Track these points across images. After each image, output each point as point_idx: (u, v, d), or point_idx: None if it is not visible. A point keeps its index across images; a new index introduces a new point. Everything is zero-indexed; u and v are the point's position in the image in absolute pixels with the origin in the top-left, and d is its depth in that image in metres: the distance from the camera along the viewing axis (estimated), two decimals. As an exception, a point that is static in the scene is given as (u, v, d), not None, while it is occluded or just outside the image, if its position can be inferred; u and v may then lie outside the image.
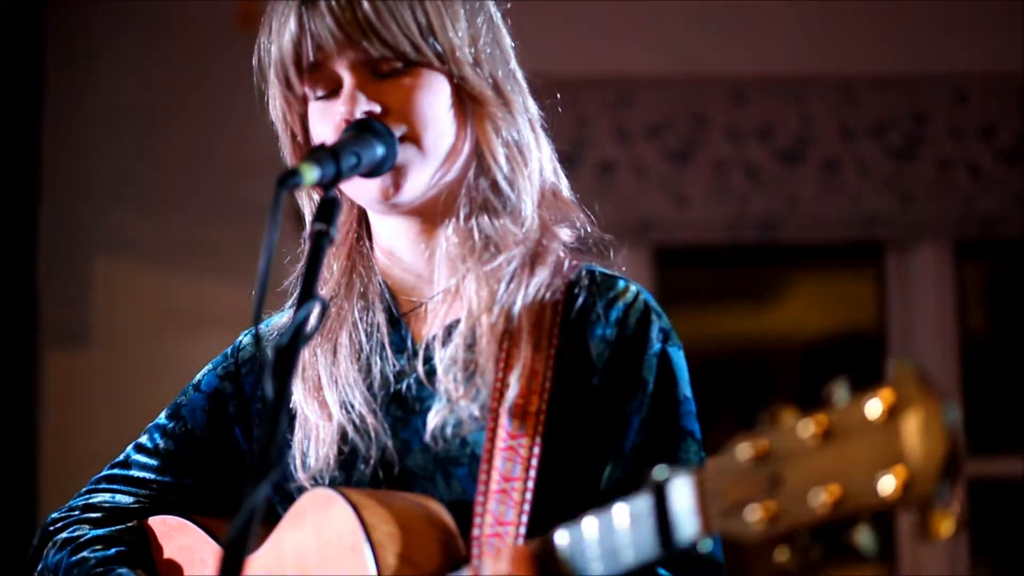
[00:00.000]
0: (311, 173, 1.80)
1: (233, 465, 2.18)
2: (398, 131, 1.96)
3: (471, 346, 1.98)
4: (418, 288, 2.09)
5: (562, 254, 2.06)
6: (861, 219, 4.97)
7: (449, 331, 2.02)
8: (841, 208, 4.97)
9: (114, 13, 4.75)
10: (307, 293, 1.73)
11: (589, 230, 2.15)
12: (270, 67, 2.10)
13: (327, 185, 1.83)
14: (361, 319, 2.07)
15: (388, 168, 1.98)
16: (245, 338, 2.26)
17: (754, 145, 4.95)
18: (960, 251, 5.14)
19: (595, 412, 1.97)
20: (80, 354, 4.66)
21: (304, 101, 2.08)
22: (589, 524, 1.69)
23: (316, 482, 2.02)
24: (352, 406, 2.03)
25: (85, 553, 2.15)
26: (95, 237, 4.70)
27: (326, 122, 2.02)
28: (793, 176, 4.95)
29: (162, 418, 2.29)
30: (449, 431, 1.97)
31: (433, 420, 1.98)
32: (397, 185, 1.99)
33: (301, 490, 2.02)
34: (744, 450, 1.52)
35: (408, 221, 2.07)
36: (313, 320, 1.71)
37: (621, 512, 1.65)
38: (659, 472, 1.61)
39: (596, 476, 1.96)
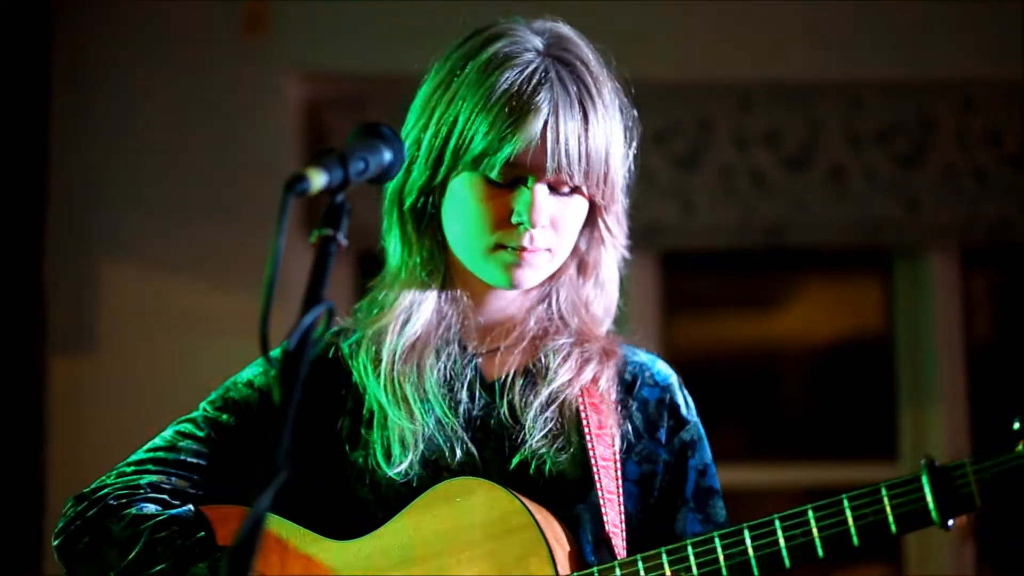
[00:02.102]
0: (319, 178, 1.79)
1: None
2: (545, 244, 2.27)
3: (556, 405, 2.32)
4: (492, 334, 2.37)
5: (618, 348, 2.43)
6: (868, 225, 4.97)
7: (528, 380, 2.35)
8: (848, 214, 4.96)
9: (122, 17, 4.76)
10: (314, 298, 1.73)
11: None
12: (484, 112, 2.26)
13: (335, 190, 1.83)
14: (441, 349, 2.35)
15: (396, 174, 1.99)
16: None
17: (761, 151, 4.95)
18: (967, 257, 5.14)
19: (660, 464, 2.38)
20: (87, 358, 4.67)
21: (473, 165, 2.26)
22: None
23: (402, 478, 2.27)
24: (438, 419, 2.31)
25: (170, 529, 2.23)
26: (102, 241, 4.71)
27: (493, 205, 2.26)
28: (800, 182, 4.95)
29: (210, 409, 2.40)
30: (533, 468, 2.30)
31: (517, 459, 2.30)
32: (523, 282, 2.29)
33: (376, 478, 2.28)
34: None
35: (509, 291, 2.36)
36: (320, 324, 1.71)
37: None
38: None
39: (664, 513, 2.37)
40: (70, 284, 4.65)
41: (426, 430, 2.30)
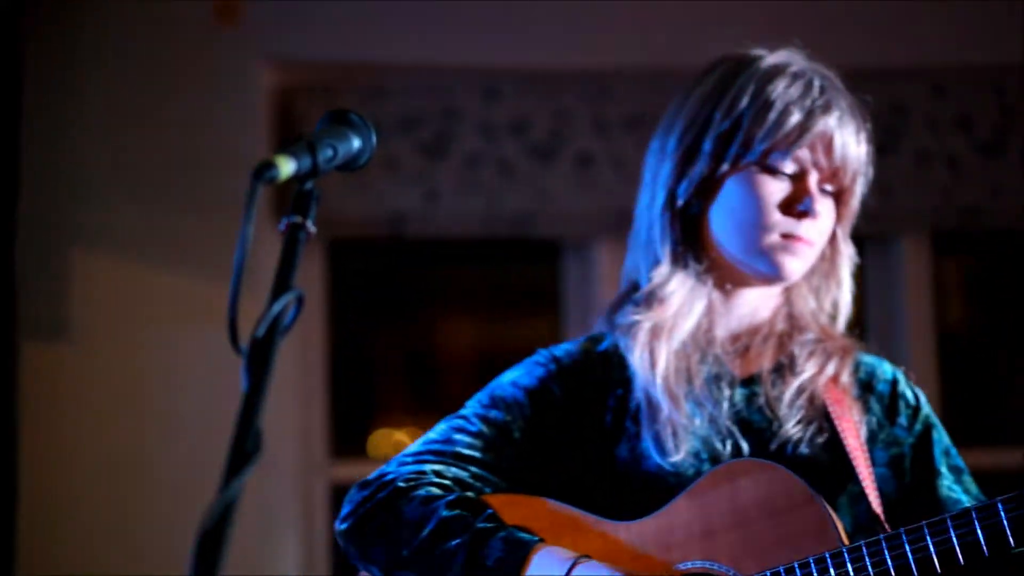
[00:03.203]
0: (287, 166, 1.79)
1: (539, 457, 2.49)
2: (814, 236, 2.46)
3: (805, 395, 2.46)
4: (744, 333, 2.53)
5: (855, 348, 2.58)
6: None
7: (778, 374, 2.49)
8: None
9: (93, 6, 4.74)
10: (283, 285, 1.73)
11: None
12: (773, 111, 2.44)
13: (303, 178, 1.83)
14: (706, 349, 2.51)
15: (365, 162, 1.99)
16: (558, 350, 2.59)
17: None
18: (938, 244, 5.16)
19: (906, 447, 2.50)
20: (59, 348, 4.66)
21: (756, 160, 2.44)
22: None
23: (673, 468, 2.42)
24: (707, 414, 2.45)
25: (460, 509, 2.37)
26: (74, 231, 4.70)
27: (773, 198, 2.44)
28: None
29: (480, 407, 2.53)
30: (789, 452, 2.43)
31: (776, 443, 2.44)
32: (792, 273, 2.46)
33: (644, 468, 2.43)
34: None
35: (763, 290, 2.52)
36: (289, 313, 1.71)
37: None
38: None
39: (922, 492, 2.48)
40: (42, 274, 4.64)
41: (696, 426, 2.44)
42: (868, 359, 2.57)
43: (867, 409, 2.50)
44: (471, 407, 2.53)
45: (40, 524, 4.54)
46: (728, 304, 2.53)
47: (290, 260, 1.76)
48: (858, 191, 2.52)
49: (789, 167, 2.44)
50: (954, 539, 2.21)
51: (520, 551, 2.30)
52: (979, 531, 2.20)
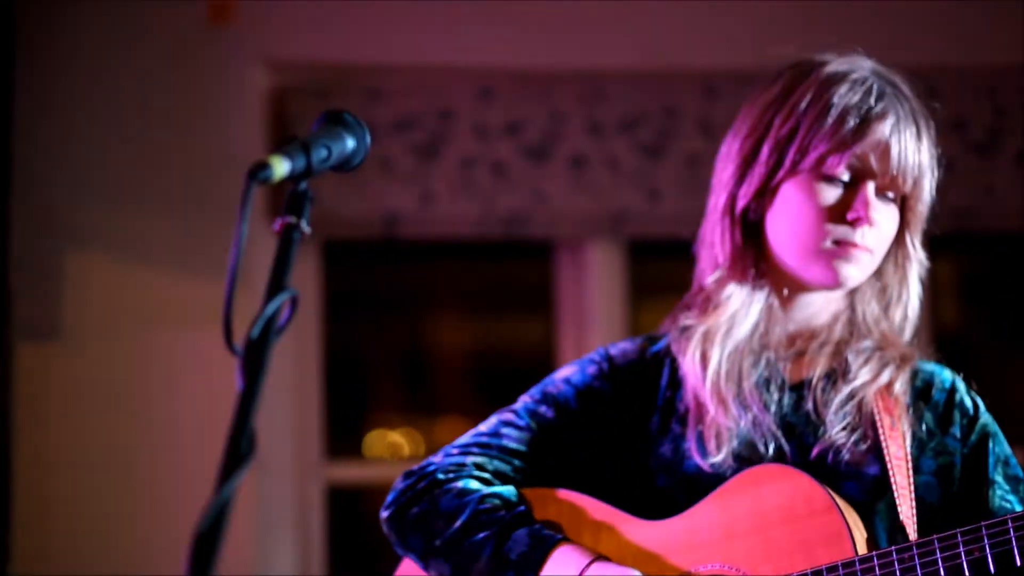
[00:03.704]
0: (281, 166, 1.79)
1: (586, 454, 2.55)
2: (871, 243, 2.46)
3: (855, 402, 2.46)
4: (800, 338, 2.55)
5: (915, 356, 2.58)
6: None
7: (830, 380, 2.49)
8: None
9: (87, 7, 4.74)
10: (278, 285, 1.73)
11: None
12: (830, 117, 2.46)
13: (298, 178, 1.84)
14: (759, 353, 2.53)
15: (359, 162, 1.99)
16: (614, 348, 2.63)
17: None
18: (932, 244, 5.15)
19: (958, 457, 2.49)
20: (53, 349, 4.66)
21: (814, 167, 2.46)
22: None
23: (713, 470, 2.45)
24: (752, 418, 2.47)
25: (493, 503, 2.45)
26: (67, 231, 4.69)
27: (830, 204, 2.45)
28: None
29: (530, 402, 2.59)
30: (830, 459, 2.44)
31: (817, 448, 2.45)
32: (848, 279, 2.47)
33: (686, 469, 2.47)
34: None
35: (823, 294, 2.54)
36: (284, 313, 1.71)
37: None
38: None
39: (971, 502, 2.46)
40: (36, 275, 4.64)
41: (740, 428, 2.47)
42: (928, 367, 2.58)
43: (919, 418, 2.50)
44: (522, 402, 2.60)
45: (35, 523, 4.54)
46: (786, 308, 2.55)
47: (285, 260, 1.76)
48: (924, 196, 2.54)
49: (845, 174, 2.45)
50: (963, 555, 2.24)
51: (542, 547, 2.39)
52: (987, 548, 2.24)
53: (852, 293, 2.56)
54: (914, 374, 2.55)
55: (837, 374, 2.51)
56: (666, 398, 2.55)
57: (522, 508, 2.45)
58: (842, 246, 2.45)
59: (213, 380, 4.37)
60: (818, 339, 2.54)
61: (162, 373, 4.70)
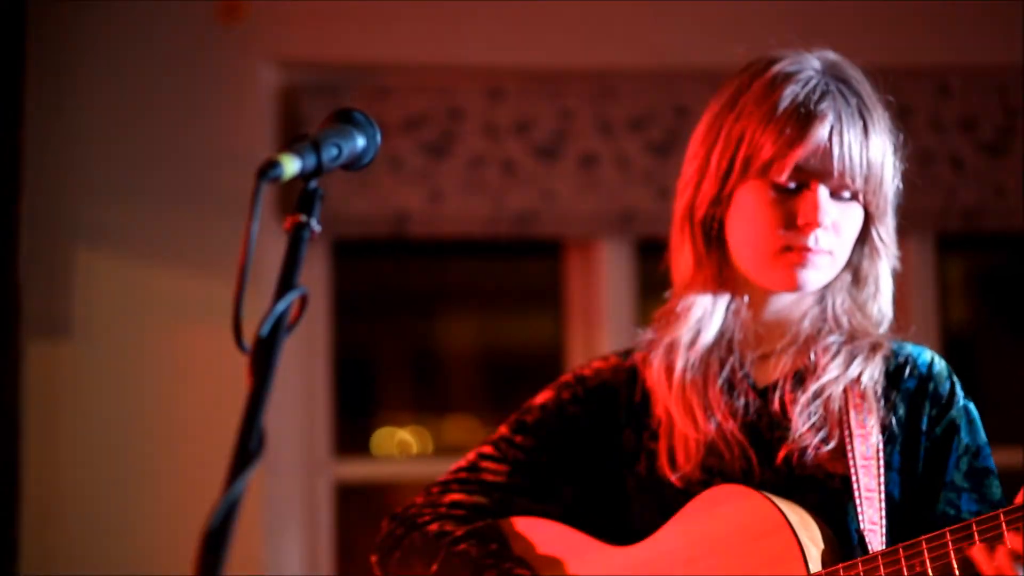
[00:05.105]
0: (292, 164, 1.80)
1: (564, 479, 2.58)
2: (828, 246, 2.41)
3: (821, 400, 2.44)
4: (766, 339, 2.52)
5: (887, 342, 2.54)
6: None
7: (797, 380, 2.47)
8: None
9: (96, 5, 4.74)
10: (287, 284, 1.73)
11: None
12: (773, 122, 2.43)
13: (308, 176, 1.84)
14: (724, 359, 2.50)
15: (369, 160, 1.99)
16: (588, 369, 2.63)
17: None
18: (942, 243, 5.15)
19: (921, 451, 2.45)
20: (62, 347, 4.66)
21: (759, 174, 2.42)
22: None
23: (683, 483, 2.45)
24: (718, 425, 2.46)
25: (465, 544, 2.48)
26: (77, 228, 4.69)
27: (780, 209, 2.41)
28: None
29: (507, 433, 2.61)
30: (795, 461, 2.42)
31: (783, 452, 2.43)
32: (806, 283, 2.43)
33: (658, 485, 2.48)
34: None
35: (787, 295, 2.51)
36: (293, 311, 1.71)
37: None
38: None
39: (925, 500, 2.43)
40: (45, 272, 4.64)
41: (707, 437, 2.46)
42: (906, 350, 2.54)
43: (891, 409, 2.47)
44: (500, 432, 2.62)
45: (43, 521, 4.54)
46: (753, 311, 2.53)
47: (294, 258, 1.76)
48: (882, 190, 2.48)
49: (793, 178, 2.41)
50: (904, 570, 2.23)
51: None
52: (928, 566, 2.22)
53: (823, 290, 2.52)
54: (888, 359, 2.51)
55: (805, 372, 2.49)
56: (637, 414, 2.56)
57: (493, 548, 2.47)
58: (797, 251, 2.41)
59: (223, 378, 4.37)
60: (785, 339, 2.51)
61: (171, 370, 4.71)
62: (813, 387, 2.45)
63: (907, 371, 2.50)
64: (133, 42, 4.77)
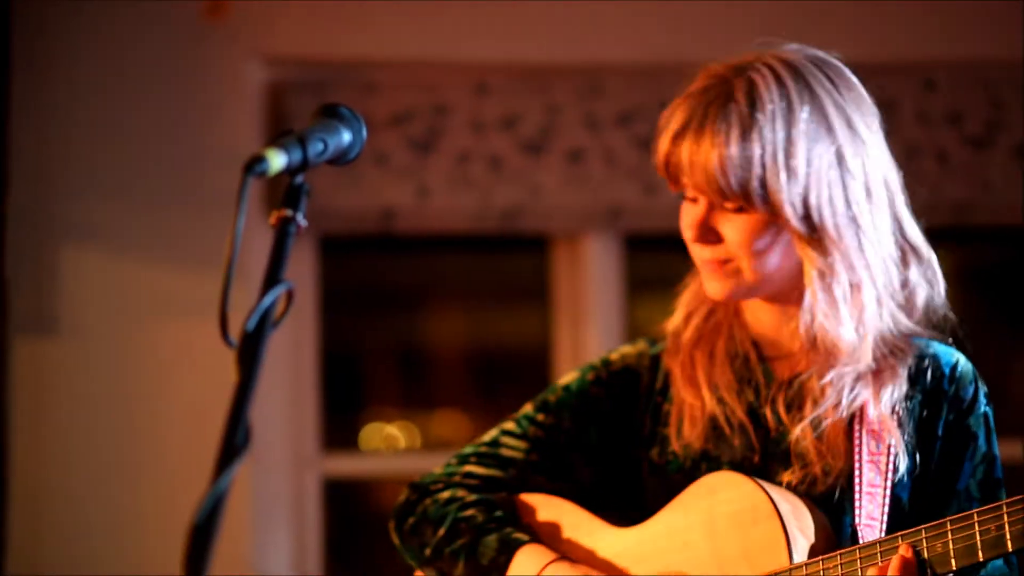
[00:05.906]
0: (277, 160, 1.80)
1: (583, 460, 2.61)
2: (721, 256, 2.37)
3: (819, 431, 2.41)
4: (777, 340, 2.50)
5: (909, 358, 2.47)
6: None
7: (798, 389, 2.46)
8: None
9: (82, 3, 4.74)
10: (274, 279, 1.73)
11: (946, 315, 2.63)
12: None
13: (294, 171, 1.84)
14: (734, 350, 2.52)
15: (355, 155, 1.99)
16: (615, 353, 2.65)
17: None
18: (929, 237, 5.15)
19: (935, 453, 2.43)
20: (48, 342, 4.66)
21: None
22: None
23: (687, 452, 2.49)
24: (724, 401, 2.48)
25: (472, 510, 2.54)
26: (64, 225, 4.69)
27: (684, 220, 2.41)
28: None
29: (531, 410, 2.64)
30: (797, 450, 2.43)
31: (783, 444, 2.44)
32: (715, 293, 2.42)
33: (666, 470, 2.51)
34: None
35: (764, 301, 2.49)
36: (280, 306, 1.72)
37: None
38: None
39: (934, 503, 2.41)
40: (31, 269, 4.64)
41: (710, 411, 2.48)
42: (932, 350, 2.49)
43: (908, 410, 2.42)
44: (524, 409, 2.65)
45: (31, 518, 4.54)
46: (751, 312, 2.53)
47: (281, 253, 1.77)
48: (774, 197, 2.32)
49: (679, 190, 2.41)
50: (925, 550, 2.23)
51: (508, 550, 2.48)
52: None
53: (800, 300, 2.41)
54: (911, 364, 2.44)
55: (803, 391, 2.45)
56: (657, 402, 2.58)
57: (498, 514, 2.54)
58: (704, 263, 2.42)
59: (209, 373, 4.36)
60: (795, 342, 2.45)
61: (158, 366, 4.71)
62: (812, 415, 2.42)
63: (929, 372, 2.46)
64: (119, 40, 4.77)
